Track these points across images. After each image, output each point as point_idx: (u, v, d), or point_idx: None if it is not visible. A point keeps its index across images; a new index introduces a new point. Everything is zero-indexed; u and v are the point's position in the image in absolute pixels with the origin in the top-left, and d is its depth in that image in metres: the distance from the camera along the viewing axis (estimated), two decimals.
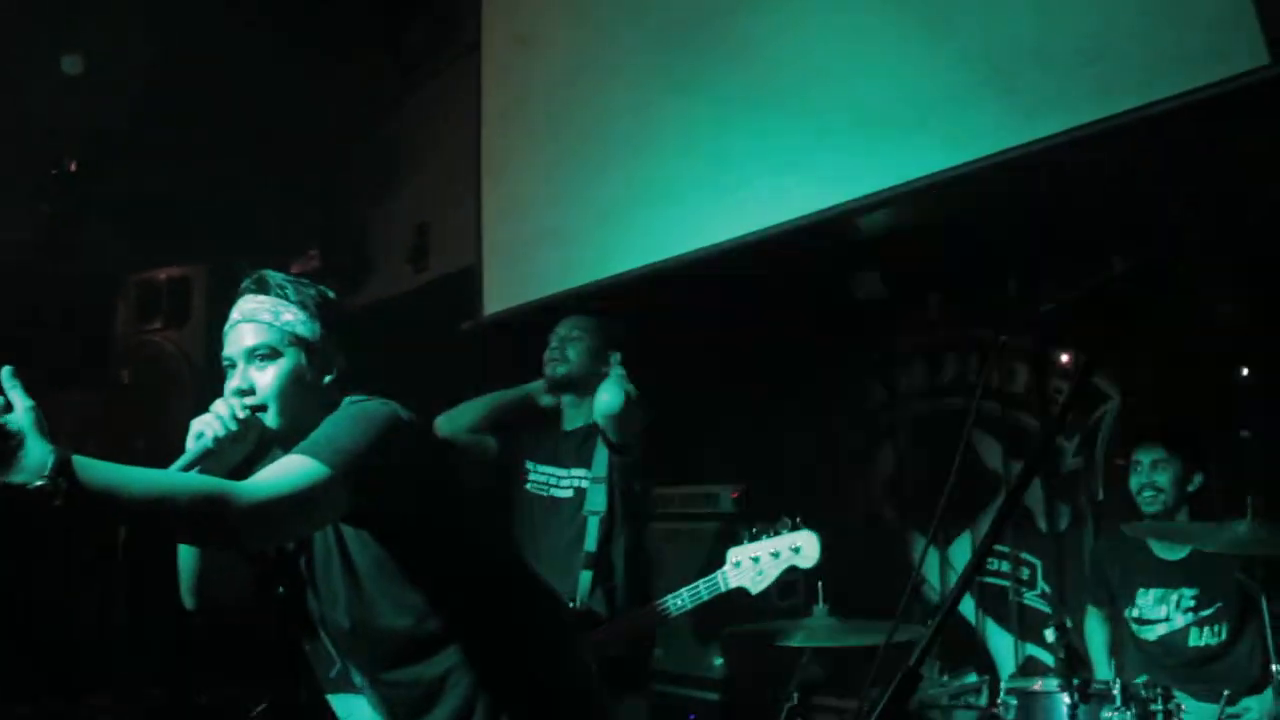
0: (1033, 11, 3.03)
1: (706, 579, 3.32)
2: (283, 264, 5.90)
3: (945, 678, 5.11)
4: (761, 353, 5.43)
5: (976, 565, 1.67)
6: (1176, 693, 3.35)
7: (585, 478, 3.49)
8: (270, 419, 2.24)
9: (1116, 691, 3.06)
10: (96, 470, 1.83)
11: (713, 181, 4.02)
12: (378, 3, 5.78)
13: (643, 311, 4.35)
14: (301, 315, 2.29)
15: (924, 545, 5.56)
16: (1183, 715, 3.05)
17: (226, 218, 5.71)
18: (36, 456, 1.79)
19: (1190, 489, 3.83)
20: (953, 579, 5.43)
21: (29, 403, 1.84)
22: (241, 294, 2.33)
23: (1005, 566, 5.23)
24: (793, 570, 3.34)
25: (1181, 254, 4.44)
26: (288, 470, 2.00)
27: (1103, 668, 3.93)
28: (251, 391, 2.24)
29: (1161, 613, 3.81)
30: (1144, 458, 3.89)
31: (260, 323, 2.27)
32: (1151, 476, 3.86)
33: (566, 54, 4.76)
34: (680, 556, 4.64)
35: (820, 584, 3.60)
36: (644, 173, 4.29)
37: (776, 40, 3.82)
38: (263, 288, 2.30)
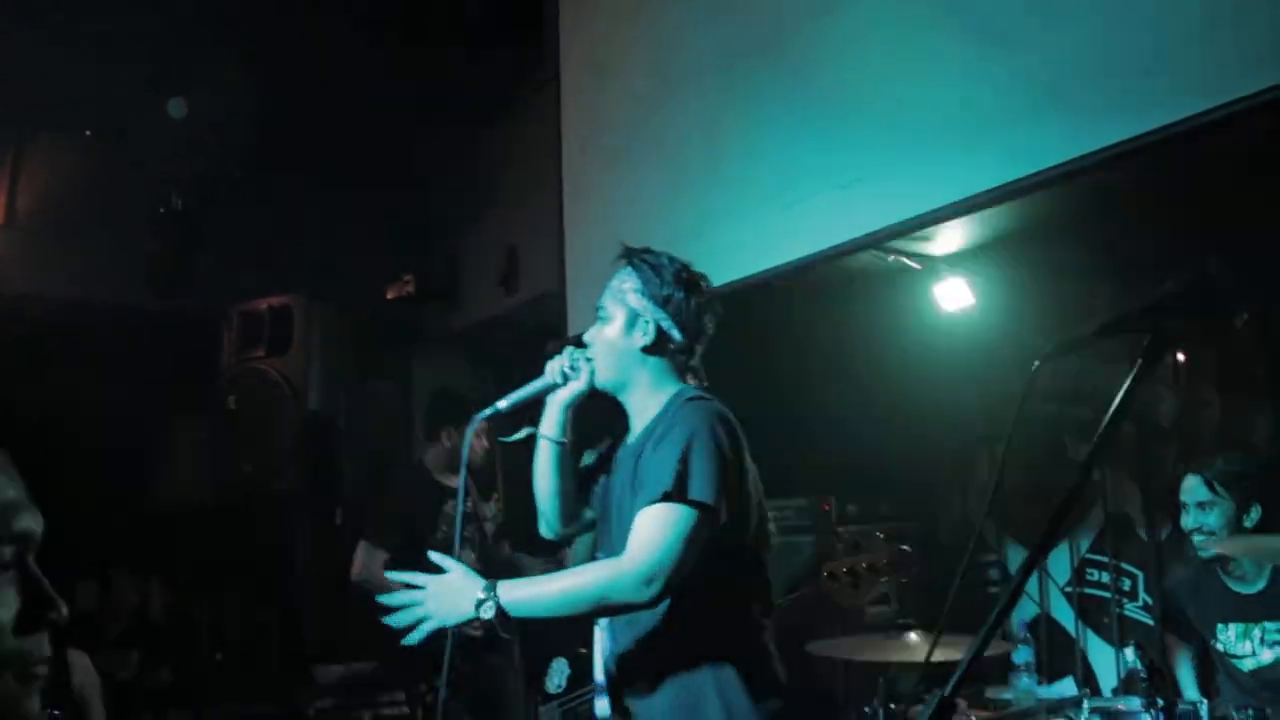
0: (1091, 25, 3.00)
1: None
2: (379, 290, 6.15)
3: (1042, 688, 5.03)
4: (845, 361, 5.42)
5: (1023, 579, 1.67)
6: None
7: None
8: (596, 371, 2.55)
9: (1204, 713, 2.97)
10: (515, 588, 2.32)
11: (778, 198, 4.05)
12: (466, 34, 5.91)
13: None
14: (637, 284, 2.55)
15: (1024, 559, 5.48)
16: None
17: (326, 248, 5.91)
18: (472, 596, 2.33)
19: (1248, 524, 3.53)
20: (1052, 590, 5.35)
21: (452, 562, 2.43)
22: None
23: (1106, 577, 5.13)
24: (885, 582, 3.34)
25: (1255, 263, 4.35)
26: (659, 526, 2.26)
27: (1191, 690, 3.77)
28: (585, 345, 2.58)
29: (1246, 648, 3.59)
30: (1188, 499, 3.61)
31: (609, 286, 2.60)
32: (1200, 520, 3.57)
33: (639, 79, 4.83)
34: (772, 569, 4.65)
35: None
36: (714, 192, 4.33)
37: (840, 55, 3.84)
38: (626, 258, 2.61)
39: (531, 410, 2.68)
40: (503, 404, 2.61)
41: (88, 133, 5.80)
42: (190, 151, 5.57)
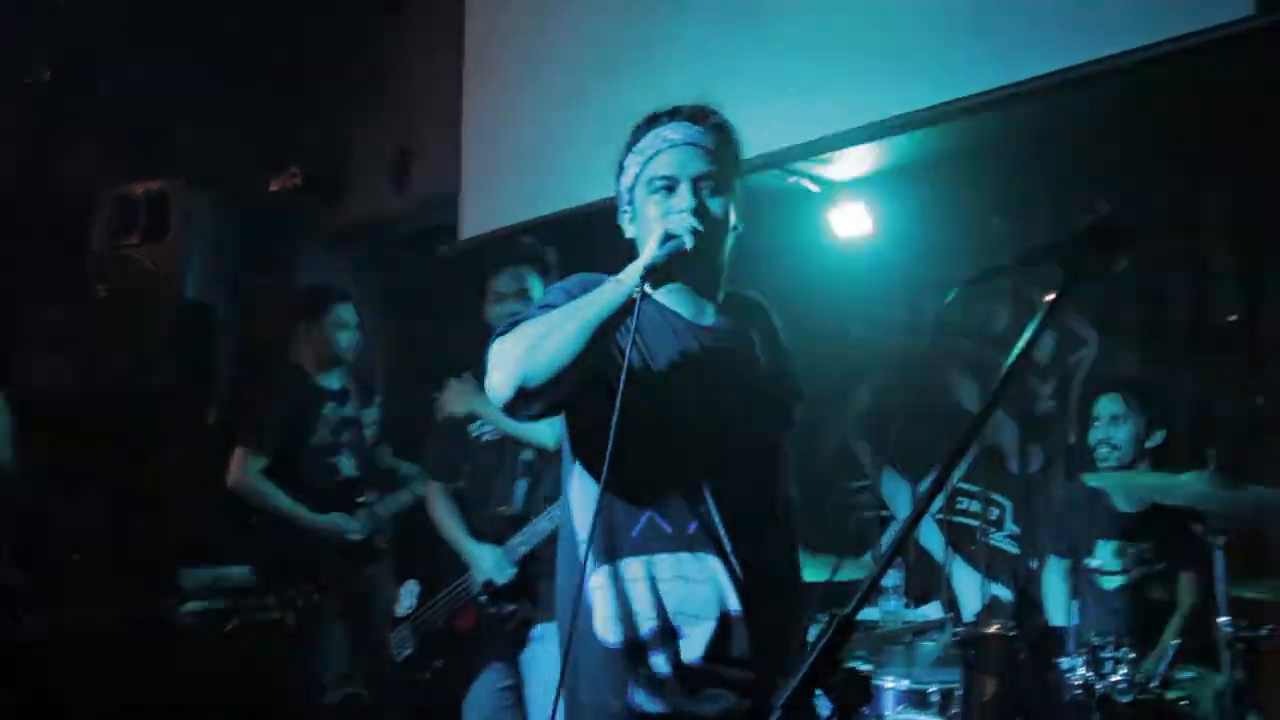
0: None
1: None
2: (263, 180, 5.90)
3: (908, 611, 5.19)
4: (733, 280, 5.40)
5: (922, 509, 1.67)
6: (1127, 639, 3.40)
7: None
8: (700, 249, 2.09)
9: (1069, 639, 3.09)
10: None
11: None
12: None
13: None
14: (732, 147, 2.23)
15: (903, 488, 5.61)
16: (1131, 663, 3.08)
17: (207, 133, 5.63)
18: None
19: (1150, 444, 3.80)
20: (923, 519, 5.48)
21: None
22: (675, 119, 2.23)
23: (976, 506, 5.27)
24: None
25: (1159, 203, 4.46)
26: None
27: (1059, 616, 3.95)
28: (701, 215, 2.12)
29: (1118, 565, 3.83)
30: (1102, 412, 3.86)
31: (715, 145, 2.19)
32: (1108, 432, 3.82)
33: None
34: None
35: None
36: (618, 99, 4.22)
37: None
38: (706, 119, 2.22)
39: None
40: (646, 262, 2.04)
41: None
42: (61, 22, 5.22)
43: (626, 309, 2.03)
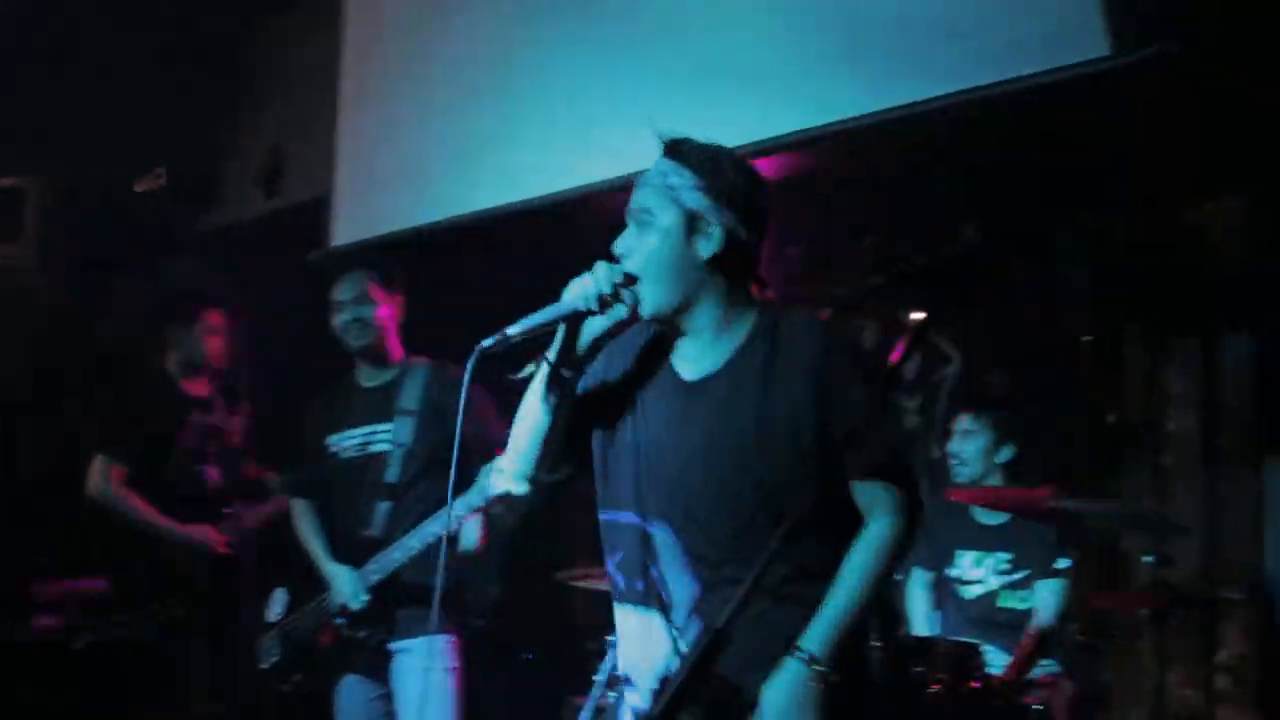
0: None
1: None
2: (127, 180, 5.70)
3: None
4: None
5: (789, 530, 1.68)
6: (986, 647, 3.52)
7: None
8: (647, 296, 1.99)
9: (927, 647, 3.18)
10: (824, 637, 1.92)
11: (565, 123, 3.99)
12: None
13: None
14: (691, 178, 1.99)
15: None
16: (987, 668, 3.19)
17: (69, 131, 5.42)
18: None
19: (998, 460, 3.95)
20: None
21: None
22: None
23: None
24: None
25: (1026, 227, 4.64)
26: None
27: (921, 626, 4.06)
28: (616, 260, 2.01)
29: (978, 574, 3.96)
30: (955, 428, 4.02)
31: (646, 184, 2.04)
32: (959, 447, 3.98)
33: None
34: None
35: None
36: (501, 111, 4.23)
37: None
38: (670, 149, 2.05)
39: (534, 343, 2.09)
40: (513, 330, 1.98)
41: None
42: None
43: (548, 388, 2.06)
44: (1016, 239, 4.61)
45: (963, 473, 3.98)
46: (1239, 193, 4.22)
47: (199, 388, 4.31)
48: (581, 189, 3.96)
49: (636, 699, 2.09)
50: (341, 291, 3.64)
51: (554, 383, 2.05)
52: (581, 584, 3.96)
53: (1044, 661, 3.66)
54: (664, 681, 2.00)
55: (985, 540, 3.96)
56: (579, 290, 1.98)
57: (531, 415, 2.10)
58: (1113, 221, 4.49)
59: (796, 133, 3.29)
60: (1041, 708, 3.41)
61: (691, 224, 1.99)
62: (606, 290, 1.97)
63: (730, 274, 2.03)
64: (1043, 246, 4.69)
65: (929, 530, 4.34)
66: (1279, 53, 2.99)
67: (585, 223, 4.53)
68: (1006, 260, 3.99)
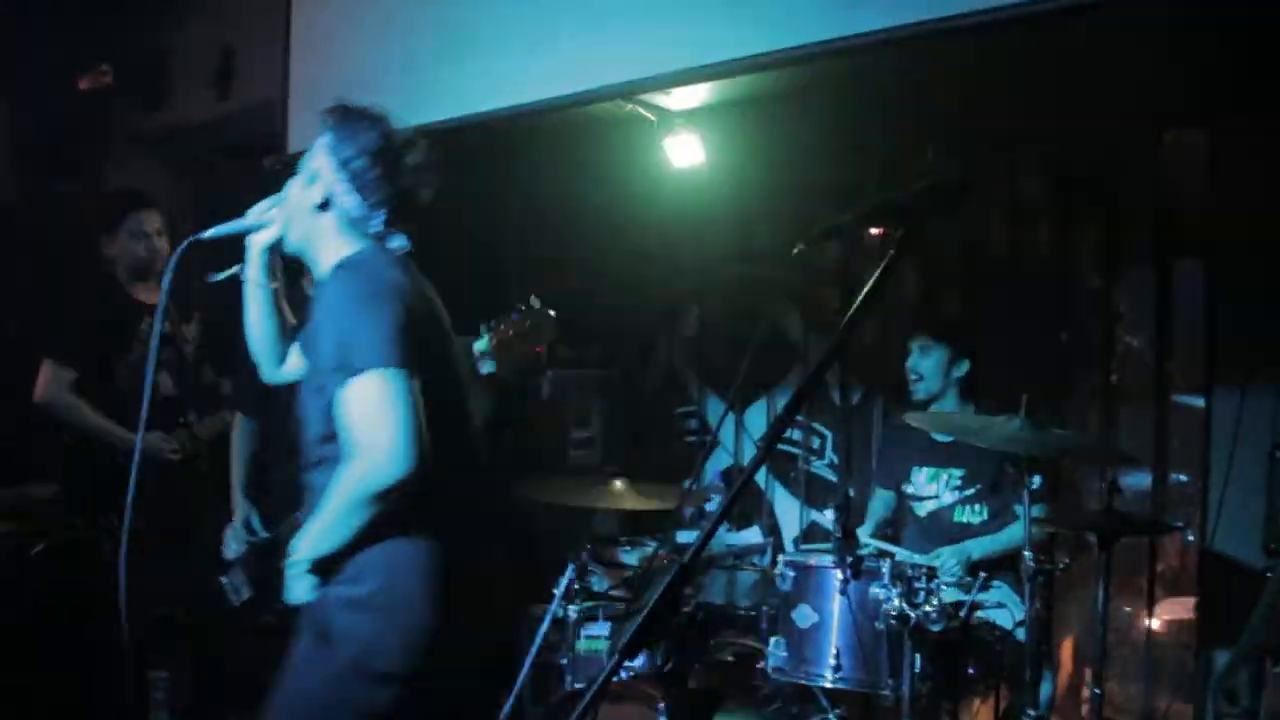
0: None
1: None
2: (70, 79, 5.52)
3: (730, 535, 5.37)
4: (562, 215, 5.41)
5: (770, 443, 1.72)
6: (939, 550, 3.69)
7: None
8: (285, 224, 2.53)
9: (885, 569, 3.23)
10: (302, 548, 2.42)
11: (525, 35, 3.90)
12: None
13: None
14: (328, 141, 2.44)
15: (723, 412, 5.75)
16: (941, 591, 3.25)
17: (9, 28, 5.21)
18: None
19: (956, 374, 4.03)
20: (747, 443, 5.64)
21: None
22: None
23: (798, 435, 5.45)
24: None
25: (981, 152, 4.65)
26: (375, 403, 2.20)
27: (866, 537, 4.14)
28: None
29: (932, 490, 4.06)
30: (912, 344, 4.08)
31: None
32: (916, 362, 4.06)
33: None
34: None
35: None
36: (458, 19, 4.12)
37: None
38: (328, 115, 2.48)
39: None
40: (206, 234, 2.53)
41: None
42: None
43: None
44: (978, 161, 4.65)
45: (920, 389, 4.05)
46: (1201, 126, 4.26)
47: (149, 294, 4.22)
48: (536, 104, 3.89)
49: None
50: None
51: (252, 292, 2.64)
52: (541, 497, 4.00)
53: (995, 583, 3.75)
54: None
55: (938, 457, 4.05)
56: (259, 209, 2.55)
57: (250, 323, 2.69)
58: (1074, 145, 4.52)
59: (768, 53, 3.24)
60: (995, 632, 3.53)
61: (311, 178, 2.47)
62: (267, 213, 2.54)
63: (337, 223, 2.46)
64: (1002, 169, 4.72)
65: (884, 451, 4.44)
66: None
67: (537, 135, 4.50)
68: (973, 186, 4.01)
